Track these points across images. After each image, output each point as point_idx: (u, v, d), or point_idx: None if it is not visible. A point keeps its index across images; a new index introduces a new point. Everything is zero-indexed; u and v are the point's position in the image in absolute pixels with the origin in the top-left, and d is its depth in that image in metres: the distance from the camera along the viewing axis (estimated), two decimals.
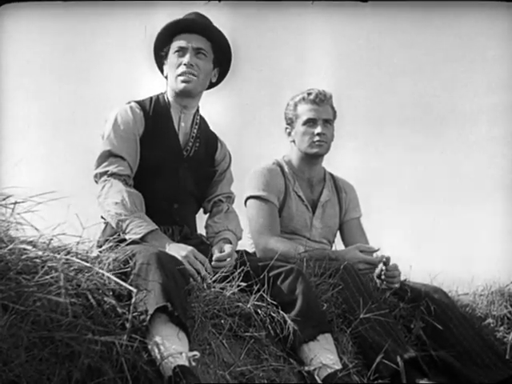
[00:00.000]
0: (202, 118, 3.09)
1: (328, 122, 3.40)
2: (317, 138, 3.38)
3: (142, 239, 2.68)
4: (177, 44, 2.95)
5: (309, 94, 3.39)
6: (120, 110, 2.94)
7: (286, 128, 3.48)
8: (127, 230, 2.71)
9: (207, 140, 3.09)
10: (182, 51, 2.94)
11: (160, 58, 3.02)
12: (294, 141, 3.46)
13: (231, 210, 3.10)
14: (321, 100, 3.38)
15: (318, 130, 3.38)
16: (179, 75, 2.92)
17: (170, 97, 3.02)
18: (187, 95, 2.97)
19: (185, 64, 2.91)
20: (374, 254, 3.16)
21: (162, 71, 3.05)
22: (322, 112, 3.39)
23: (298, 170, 3.47)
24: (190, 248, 2.68)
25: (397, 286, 3.12)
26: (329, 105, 3.41)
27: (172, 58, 2.96)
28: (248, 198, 3.38)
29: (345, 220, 3.57)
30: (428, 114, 4.69)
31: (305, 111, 3.39)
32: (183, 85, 2.93)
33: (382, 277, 3.13)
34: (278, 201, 3.38)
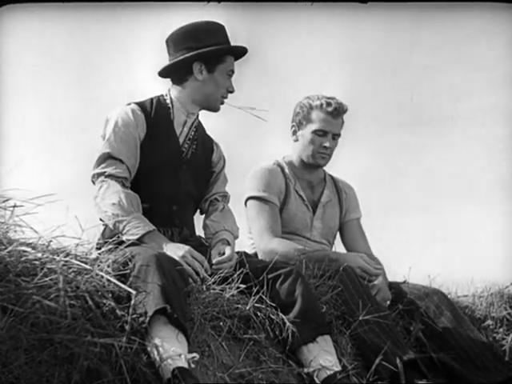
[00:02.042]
0: (199, 122, 3.10)
1: (337, 136, 3.39)
2: (322, 151, 3.36)
3: (140, 240, 2.68)
4: (231, 67, 3.00)
5: (328, 104, 3.32)
6: (121, 111, 2.93)
7: (293, 126, 3.44)
8: (124, 231, 2.71)
9: (204, 142, 3.09)
10: (231, 75, 3.00)
11: (202, 59, 2.97)
12: (297, 140, 3.43)
13: (227, 208, 3.10)
14: (338, 114, 3.34)
15: (326, 144, 3.34)
16: (223, 97, 3.01)
17: (177, 98, 3.00)
18: (209, 111, 3.06)
19: (230, 91, 3.01)
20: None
21: (185, 66, 2.99)
22: (335, 126, 3.34)
23: (298, 171, 3.46)
24: (187, 247, 2.69)
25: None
26: (342, 118, 3.38)
27: (223, 77, 2.98)
28: (248, 199, 3.37)
29: (345, 221, 3.56)
30: (428, 115, 4.69)
31: (318, 120, 3.34)
32: (219, 106, 3.03)
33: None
34: (278, 201, 3.37)
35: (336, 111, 3.33)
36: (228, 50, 3.00)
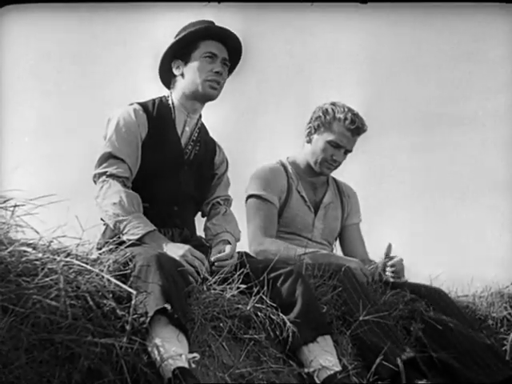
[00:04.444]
0: (202, 123, 3.10)
1: (348, 152, 3.39)
2: (331, 162, 3.37)
3: (140, 240, 2.69)
4: (208, 49, 2.95)
5: (352, 121, 3.30)
6: (123, 111, 2.94)
7: (309, 127, 3.41)
8: (125, 231, 2.71)
9: (206, 144, 3.10)
10: (212, 58, 2.95)
11: (177, 55, 2.99)
12: (309, 142, 3.43)
13: (229, 212, 3.10)
14: (358, 132, 3.34)
15: (337, 157, 3.36)
16: (209, 81, 2.95)
17: (177, 99, 3.02)
18: (207, 100, 3.01)
19: (216, 72, 2.94)
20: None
21: (168, 67, 3.02)
22: (351, 142, 3.35)
23: (302, 172, 3.47)
24: (187, 247, 2.69)
25: (403, 279, 3.14)
26: (359, 136, 3.38)
27: (200, 61, 2.95)
28: (249, 197, 3.38)
29: (345, 224, 3.57)
30: (428, 115, 4.70)
31: (337, 133, 3.33)
32: (211, 91, 2.96)
33: (388, 270, 3.15)
34: (279, 201, 3.38)
35: (357, 130, 3.33)
36: (192, 34, 2.95)
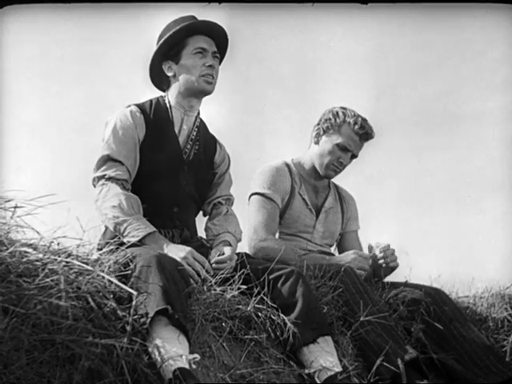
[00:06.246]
0: (201, 121, 3.10)
1: (354, 157, 3.41)
2: (337, 165, 3.39)
3: (141, 242, 2.69)
4: (197, 45, 2.96)
5: (361, 126, 3.34)
6: (120, 113, 2.94)
7: (318, 129, 3.43)
8: (125, 233, 2.71)
9: (206, 142, 3.09)
10: (202, 53, 2.96)
11: (166, 56, 3.00)
12: (317, 143, 3.44)
13: (231, 212, 3.10)
14: (366, 138, 3.38)
15: (344, 160, 3.39)
16: (203, 76, 2.95)
17: (173, 98, 3.02)
18: (203, 96, 3.01)
19: (209, 66, 2.95)
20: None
21: (159, 70, 3.03)
22: (358, 147, 3.39)
23: (306, 174, 3.48)
24: (189, 249, 2.69)
25: (396, 264, 3.16)
26: (366, 142, 3.41)
27: (192, 58, 2.96)
28: (252, 194, 3.38)
29: (345, 231, 3.59)
30: (429, 116, 4.70)
31: (346, 137, 3.36)
32: (207, 86, 2.96)
33: (381, 261, 3.16)
34: (281, 202, 3.39)
35: (365, 135, 3.37)
36: (178, 33, 2.95)
